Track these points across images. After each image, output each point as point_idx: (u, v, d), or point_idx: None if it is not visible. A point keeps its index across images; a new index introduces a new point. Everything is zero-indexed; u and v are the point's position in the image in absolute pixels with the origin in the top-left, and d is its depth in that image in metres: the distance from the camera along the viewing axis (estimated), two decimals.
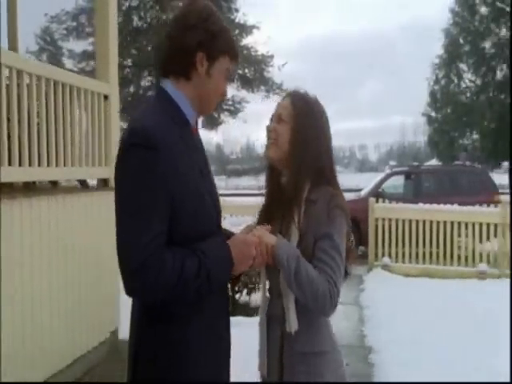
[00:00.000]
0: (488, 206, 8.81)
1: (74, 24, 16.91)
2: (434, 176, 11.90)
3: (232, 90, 17.21)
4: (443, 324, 5.90)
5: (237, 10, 17.46)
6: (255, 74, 16.39)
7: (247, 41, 16.46)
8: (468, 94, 21.98)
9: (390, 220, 8.90)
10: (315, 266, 1.66)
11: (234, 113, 17.56)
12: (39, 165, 3.74)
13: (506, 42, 20.44)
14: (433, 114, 24.14)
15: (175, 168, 1.41)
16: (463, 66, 21.97)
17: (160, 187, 1.37)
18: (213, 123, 17.92)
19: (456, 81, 22.05)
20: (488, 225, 8.48)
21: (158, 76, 1.56)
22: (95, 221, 4.46)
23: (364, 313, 6.49)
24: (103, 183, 4.69)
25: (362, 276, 8.49)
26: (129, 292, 1.41)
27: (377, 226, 8.90)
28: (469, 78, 22.06)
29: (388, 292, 7.49)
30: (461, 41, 21.25)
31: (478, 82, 21.60)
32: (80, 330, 4.19)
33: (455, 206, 8.78)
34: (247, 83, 16.56)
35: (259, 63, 16.30)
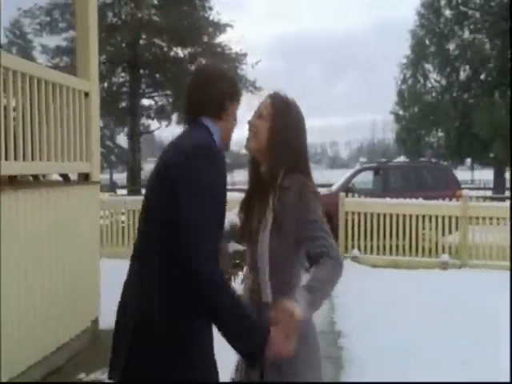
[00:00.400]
0: (450, 200, 9.16)
1: (48, 19, 16.73)
2: (400, 172, 12.24)
3: None
4: (408, 311, 6.18)
5: (211, 9, 17.52)
6: None
7: (221, 39, 16.61)
8: (433, 94, 22.51)
9: (359, 214, 9.17)
10: (313, 250, 1.84)
11: None
12: (24, 159, 3.83)
13: (469, 44, 21.03)
14: (400, 112, 24.63)
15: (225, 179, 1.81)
16: (429, 67, 22.50)
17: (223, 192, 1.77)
18: (181, 119, 18.07)
19: (422, 81, 22.56)
20: (450, 218, 8.83)
21: (191, 112, 1.92)
22: (76, 213, 4.56)
23: (334, 301, 6.72)
24: (84, 177, 4.78)
25: None
26: (196, 270, 1.62)
27: (347, 220, 9.17)
28: (434, 78, 22.61)
29: (357, 282, 7.74)
30: (427, 42, 21.76)
31: (443, 82, 22.15)
32: (63, 318, 4.30)
33: (420, 200, 9.11)
34: None
35: (233, 61, 16.44)
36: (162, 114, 17.07)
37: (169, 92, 16.90)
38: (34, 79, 3.87)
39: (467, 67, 21.60)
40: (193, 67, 16.13)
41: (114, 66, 15.72)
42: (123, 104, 16.93)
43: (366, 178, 12.48)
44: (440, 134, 23.98)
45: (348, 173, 12.61)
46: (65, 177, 4.57)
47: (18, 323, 3.67)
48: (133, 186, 15.57)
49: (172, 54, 16.15)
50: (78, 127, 4.55)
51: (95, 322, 4.97)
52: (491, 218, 8.79)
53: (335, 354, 4.70)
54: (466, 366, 4.40)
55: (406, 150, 25.03)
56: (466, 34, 21.20)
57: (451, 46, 21.71)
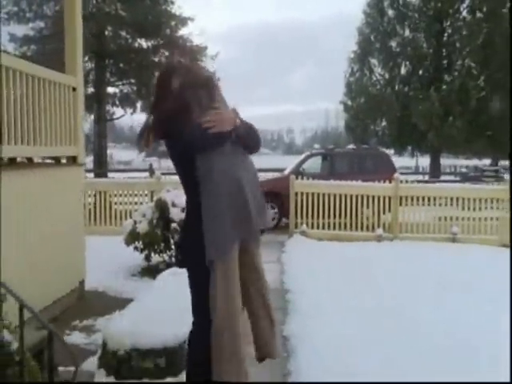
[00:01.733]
0: (384, 182, 10.11)
1: (15, 9, 16.70)
2: (345, 158, 13.13)
3: None
4: (346, 274, 7.07)
5: (172, 2, 17.86)
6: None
7: (183, 32, 17.04)
8: (378, 87, 23.61)
9: (307, 194, 10.01)
10: None
11: None
12: (22, 144, 4.39)
13: (409, 42, 22.21)
14: (349, 102, 25.63)
15: None
16: (374, 62, 23.56)
17: None
18: (146, 107, 18.47)
19: (368, 74, 23.62)
20: (384, 198, 9.80)
21: None
22: (65, 189, 5.16)
23: (284, 268, 7.54)
24: (72, 160, 5.37)
25: (284, 242, 9.57)
26: None
27: (296, 200, 9.99)
28: (378, 72, 23.70)
29: (304, 252, 8.61)
30: (372, 39, 22.80)
31: (386, 76, 23.28)
32: (57, 277, 4.91)
33: (359, 182, 10.03)
34: None
35: (194, 53, 16.94)
36: (126, 101, 17.42)
37: (133, 81, 17.26)
38: (30, 77, 4.42)
39: (407, 63, 22.79)
40: (156, 58, 16.58)
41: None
42: (89, 91, 17.16)
43: (315, 163, 13.31)
44: (384, 123, 25.13)
45: (299, 158, 13.42)
46: (57, 160, 5.15)
47: (19, 279, 4.26)
48: (99, 170, 15.91)
49: (136, 45, 16.51)
50: (67, 117, 5.12)
51: (82, 283, 5.60)
52: (422, 199, 9.83)
53: (283, 306, 5.52)
54: (390, 319, 5.30)
55: (355, 138, 26.17)
56: (407, 33, 22.36)
57: (393, 44, 22.83)
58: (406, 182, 10.82)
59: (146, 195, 10.05)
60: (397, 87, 23.10)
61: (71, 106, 5.19)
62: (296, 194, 9.98)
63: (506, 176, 20.30)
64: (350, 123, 25.95)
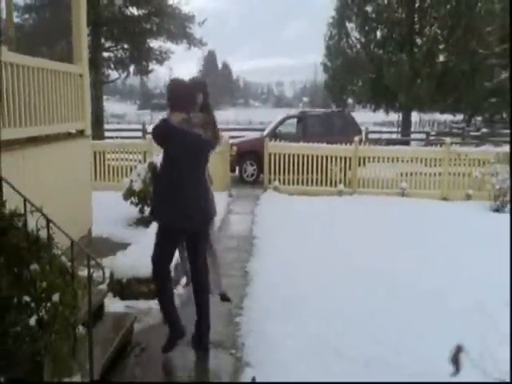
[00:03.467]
0: (350, 144, 11.10)
1: None
2: (317, 120, 14.02)
3: (159, 42, 18.33)
4: (311, 223, 8.18)
5: None
6: (179, 30, 17.56)
7: (172, 1, 17.40)
8: (354, 50, 24.15)
9: (280, 155, 11.04)
10: None
11: (161, 62, 18.75)
12: (41, 124, 5.33)
13: (384, 8, 22.65)
14: (328, 63, 26.15)
15: None
16: (352, 26, 23.99)
17: None
18: (143, 71, 19.04)
19: (345, 38, 24.10)
20: (345, 158, 10.86)
21: None
22: (76, 156, 6.14)
23: (255, 219, 8.64)
24: (80, 132, 6.33)
25: (259, 195, 10.67)
26: None
27: (270, 159, 11.03)
28: (355, 36, 24.18)
29: (274, 205, 9.72)
30: (349, 3, 23.16)
31: (363, 39, 23.79)
32: (70, 225, 5.95)
33: (325, 144, 11.03)
34: (172, 37, 17.76)
35: (182, 21, 17.40)
36: (120, 64, 17.98)
37: (126, 46, 17.75)
38: (47, 70, 5.31)
39: (382, 27, 23.28)
40: (147, 25, 17.09)
41: None
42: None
43: (291, 125, 14.20)
44: (360, 84, 25.78)
45: (276, 120, 14.30)
46: (68, 133, 6.11)
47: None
48: (98, 131, 16.66)
49: (128, 13, 16.91)
50: (76, 98, 6.04)
51: (90, 230, 6.69)
52: (377, 159, 10.91)
53: (249, 248, 6.67)
54: (337, 257, 6.46)
55: (333, 96, 26.92)
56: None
57: (369, 9, 23.23)
58: (365, 143, 11.84)
59: (140, 153, 10.93)
60: (372, 50, 23.65)
61: (79, 90, 6.09)
62: (270, 154, 11.01)
63: (472, 133, 21.48)
64: (328, 83, 26.57)
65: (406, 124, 25.65)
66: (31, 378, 2.53)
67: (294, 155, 10.98)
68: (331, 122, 13.74)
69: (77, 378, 2.76)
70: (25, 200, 2.92)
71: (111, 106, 66.24)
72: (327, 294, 4.95)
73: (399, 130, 26.70)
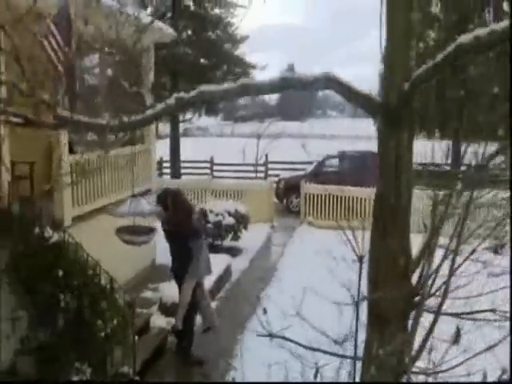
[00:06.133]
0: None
1: None
2: (355, 160, 15.24)
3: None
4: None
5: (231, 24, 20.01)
6: (243, 76, 19.86)
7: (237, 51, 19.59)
8: None
9: (314, 194, 12.59)
10: None
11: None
12: (108, 194, 7.40)
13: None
14: None
15: None
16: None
17: None
18: (211, 111, 21.50)
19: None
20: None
21: None
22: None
23: (285, 250, 10.26)
24: (148, 191, 8.40)
25: (296, 227, 12.23)
26: None
27: (306, 198, 12.65)
28: None
29: (306, 238, 11.16)
30: None
31: None
32: (136, 258, 8.00)
33: (354, 188, 12.37)
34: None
35: (246, 67, 19.58)
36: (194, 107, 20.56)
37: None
38: (118, 155, 7.39)
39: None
40: (217, 72, 19.46)
41: None
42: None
43: (331, 165, 15.50)
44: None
45: (317, 161, 15.72)
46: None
47: (115, 258, 7.35)
48: (174, 169, 18.79)
49: (201, 61, 19.36)
50: (144, 164, 8.11)
51: (153, 260, 8.69)
52: None
53: (269, 279, 8.34)
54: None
55: None
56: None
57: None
58: None
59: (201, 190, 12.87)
60: None
61: (147, 158, 8.17)
62: (305, 194, 12.63)
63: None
64: None
65: (456, 154, 25.82)
66: (101, 364, 4.45)
67: (326, 196, 12.48)
68: (369, 163, 14.75)
69: (125, 368, 4.65)
70: (96, 262, 4.82)
71: (194, 119, 68.50)
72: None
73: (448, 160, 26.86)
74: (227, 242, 9.99)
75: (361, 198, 12.20)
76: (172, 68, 17.47)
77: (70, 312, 4.25)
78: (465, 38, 1.94)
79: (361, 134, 26.55)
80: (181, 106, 2.17)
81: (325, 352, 2.35)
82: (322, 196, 12.55)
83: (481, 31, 1.94)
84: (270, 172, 18.84)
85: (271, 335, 2.45)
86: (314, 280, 8.16)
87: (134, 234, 4.74)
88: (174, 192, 5.75)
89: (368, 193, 12.14)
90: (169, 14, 18.08)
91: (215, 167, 19.33)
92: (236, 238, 9.99)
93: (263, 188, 13.06)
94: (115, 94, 3.38)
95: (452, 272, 2.19)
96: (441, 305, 2.21)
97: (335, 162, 15.51)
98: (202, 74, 18.85)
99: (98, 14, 4.40)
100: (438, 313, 2.16)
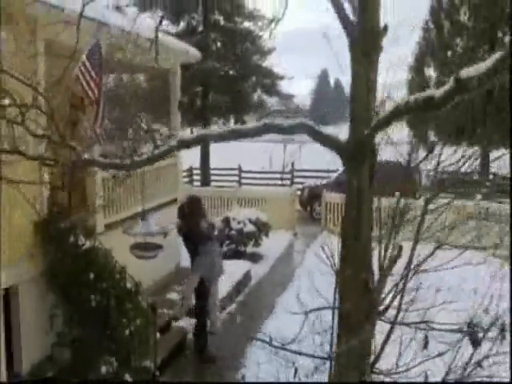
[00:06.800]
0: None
1: None
2: (379, 170, 15.56)
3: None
4: None
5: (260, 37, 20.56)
6: (271, 87, 20.41)
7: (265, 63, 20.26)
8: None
9: (335, 203, 12.94)
10: None
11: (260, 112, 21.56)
12: (136, 205, 8.01)
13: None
14: None
15: None
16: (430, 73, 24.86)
17: None
18: (238, 121, 21.97)
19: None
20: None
21: None
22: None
23: (304, 257, 10.69)
24: (174, 200, 8.99)
25: (317, 235, 12.63)
26: None
27: (327, 206, 13.03)
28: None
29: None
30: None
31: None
32: (161, 262, 8.58)
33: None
34: (266, 92, 20.69)
35: (274, 78, 20.11)
36: (223, 116, 21.09)
37: (228, 100, 20.77)
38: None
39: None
40: (245, 83, 20.00)
41: None
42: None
43: None
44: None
45: (339, 170, 16.00)
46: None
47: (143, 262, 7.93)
48: (205, 179, 19.47)
49: (230, 72, 19.99)
50: (171, 175, 8.69)
51: (177, 264, 9.26)
52: None
53: (286, 284, 8.79)
54: None
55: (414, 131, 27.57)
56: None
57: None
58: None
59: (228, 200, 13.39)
60: None
61: (175, 170, 8.75)
62: (326, 203, 13.00)
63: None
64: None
65: (484, 163, 25.51)
66: (125, 357, 5.01)
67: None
68: (390, 172, 15.04)
69: (147, 362, 5.19)
70: (123, 268, 5.39)
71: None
72: None
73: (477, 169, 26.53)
74: (250, 249, 10.46)
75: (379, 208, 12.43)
76: (202, 81, 18.19)
77: (99, 311, 4.84)
78: (410, 98, 2.34)
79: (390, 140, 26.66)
80: (182, 147, 2.65)
81: (300, 353, 2.80)
82: (341, 205, 12.86)
83: (430, 91, 2.31)
84: (296, 180, 19.20)
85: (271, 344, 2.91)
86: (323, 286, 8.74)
87: (144, 250, 5.48)
88: (191, 200, 6.35)
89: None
90: (200, 29, 18.85)
91: (243, 174, 19.88)
92: (257, 244, 10.44)
93: (287, 196, 13.46)
94: (132, 130, 3.88)
95: (405, 286, 2.59)
96: (396, 316, 2.61)
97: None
98: (231, 85, 19.49)
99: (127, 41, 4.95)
100: (393, 322, 2.56)
